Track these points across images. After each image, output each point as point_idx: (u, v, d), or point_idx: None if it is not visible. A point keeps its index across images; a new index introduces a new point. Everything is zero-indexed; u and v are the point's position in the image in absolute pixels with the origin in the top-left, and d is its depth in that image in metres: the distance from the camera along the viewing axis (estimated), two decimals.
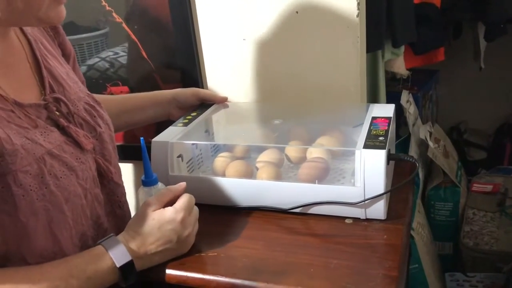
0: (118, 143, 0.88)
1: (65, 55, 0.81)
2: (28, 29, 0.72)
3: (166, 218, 0.67)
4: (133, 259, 0.64)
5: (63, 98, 0.70)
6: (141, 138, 0.72)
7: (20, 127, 0.62)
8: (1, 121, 0.60)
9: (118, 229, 0.72)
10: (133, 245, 0.65)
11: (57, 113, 0.68)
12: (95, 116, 0.74)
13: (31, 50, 0.71)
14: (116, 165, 0.78)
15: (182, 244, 0.68)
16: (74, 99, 0.73)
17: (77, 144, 0.68)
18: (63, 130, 0.68)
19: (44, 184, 0.61)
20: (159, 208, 0.68)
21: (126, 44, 1.08)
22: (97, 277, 0.62)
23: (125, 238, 0.66)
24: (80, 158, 0.68)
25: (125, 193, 0.80)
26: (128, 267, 0.63)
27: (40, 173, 0.61)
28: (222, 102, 1.01)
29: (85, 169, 0.68)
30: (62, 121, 0.68)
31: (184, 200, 0.69)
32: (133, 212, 0.79)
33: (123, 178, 0.81)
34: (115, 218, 0.77)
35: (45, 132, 0.64)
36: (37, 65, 0.70)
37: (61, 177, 0.63)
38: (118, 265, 0.63)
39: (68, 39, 0.82)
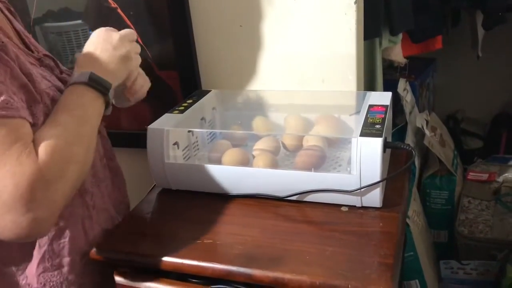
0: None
1: None
2: None
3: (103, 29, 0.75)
4: (90, 72, 0.67)
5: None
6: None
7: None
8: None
9: (111, 180, 0.79)
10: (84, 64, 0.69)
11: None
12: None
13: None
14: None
15: (121, 44, 0.73)
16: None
17: None
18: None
19: None
20: None
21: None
22: (77, 103, 0.65)
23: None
24: None
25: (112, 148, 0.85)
26: (92, 78, 0.67)
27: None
28: None
29: None
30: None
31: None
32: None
33: None
34: (109, 170, 0.81)
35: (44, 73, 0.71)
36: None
37: None
38: (86, 79, 0.66)
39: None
